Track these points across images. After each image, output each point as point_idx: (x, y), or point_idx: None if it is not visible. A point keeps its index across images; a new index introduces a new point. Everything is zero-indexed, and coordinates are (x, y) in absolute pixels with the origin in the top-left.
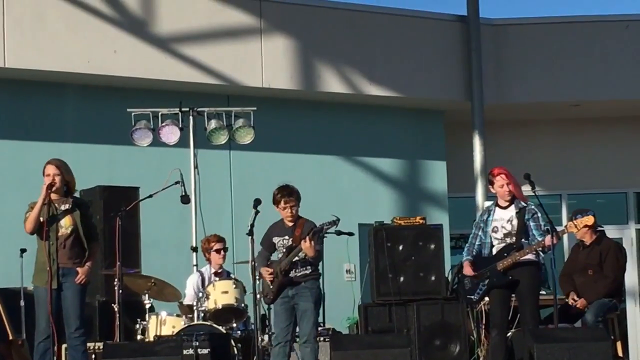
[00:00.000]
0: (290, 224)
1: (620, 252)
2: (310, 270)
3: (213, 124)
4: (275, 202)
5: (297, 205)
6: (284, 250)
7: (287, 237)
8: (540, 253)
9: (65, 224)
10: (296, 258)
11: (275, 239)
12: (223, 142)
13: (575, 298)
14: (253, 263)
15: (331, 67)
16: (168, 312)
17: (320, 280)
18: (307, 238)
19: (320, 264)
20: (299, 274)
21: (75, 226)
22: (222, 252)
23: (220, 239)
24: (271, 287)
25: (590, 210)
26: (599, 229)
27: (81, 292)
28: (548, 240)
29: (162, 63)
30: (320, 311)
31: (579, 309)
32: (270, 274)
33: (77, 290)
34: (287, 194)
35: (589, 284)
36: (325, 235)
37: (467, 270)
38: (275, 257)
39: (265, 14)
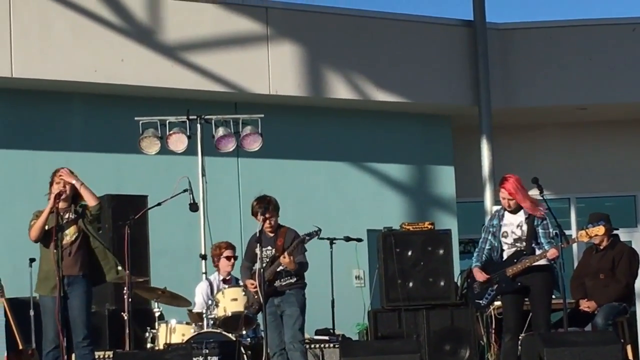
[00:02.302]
0: (272, 235)
1: (634, 257)
2: (295, 280)
3: (220, 131)
4: (254, 214)
5: (275, 216)
6: (267, 260)
7: (269, 248)
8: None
9: (70, 232)
10: (280, 268)
11: (258, 250)
12: (231, 150)
13: (585, 302)
14: (261, 269)
15: (338, 73)
16: (178, 320)
17: (331, 287)
18: (286, 253)
19: (329, 270)
20: (284, 283)
21: (81, 233)
22: (232, 260)
23: (231, 246)
24: (256, 297)
25: (602, 220)
26: (613, 232)
27: (87, 300)
28: (550, 253)
29: (170, 71)
30: (330, 317)
31: (588, 312)
32: (253, 286)
33: (83, 299)
34: (264, 206)
35: (600, 287)
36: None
37: (478, 276)
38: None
39: (272, 21)
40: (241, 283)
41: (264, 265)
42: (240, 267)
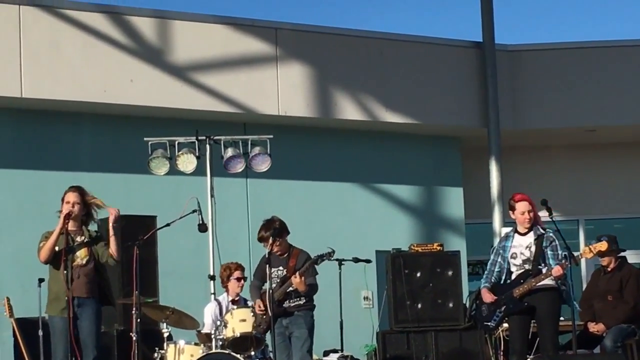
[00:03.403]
0: (282, 256)
1: None
2: (304, 301)
3: (229, 152)
4: (262, 240)
5: (283, 238)
6: (278, 280)
7: (281, 268)
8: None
9: (81, 255)
10: (290, 289)
11: (269, 270)
12: (240, 170)
13: (594, 325)
14: (270, 291)
15: (347, 94)
16: (186, 340)
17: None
18: (298, 274)
19: (337, 291)
20: (293, 304)
21: (92, 257)
22: (241, 281)
23: (241, 267)
24: (264, 317)
25: (604, 236)
26: (620, 254)
27: (97, 321)
28: (555, 271)
29: (179, 91)
30: (338, 338)
31: (597, 334)
32: (260, 308)
33: (93, 320)
34: (271, 234)
35: (608, 309)
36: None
37: (486, 297)
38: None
39: (281, 42)
40: (250, 303)
41: (274, 285)
42: (250, 286)
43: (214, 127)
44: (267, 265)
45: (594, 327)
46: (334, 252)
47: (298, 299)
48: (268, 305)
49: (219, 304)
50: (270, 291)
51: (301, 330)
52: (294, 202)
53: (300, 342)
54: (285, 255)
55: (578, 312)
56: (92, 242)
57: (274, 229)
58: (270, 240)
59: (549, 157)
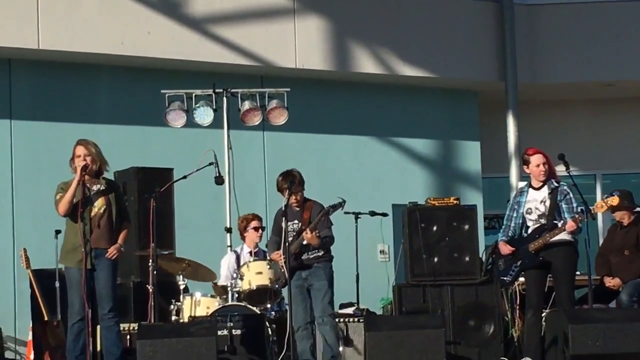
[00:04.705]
0: (298, 209)
1: None
2: (322, 253)
3: (247, 104)
4: (279, 190)
5: (301, 190)
6: (294, 234)
7: (296, 222)
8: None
9: (99, 204)
10: (305, 242)
11: (284, 224)
12: (257, 123)
13: (610, 280)
14: (287, 244)
15: (365, 47)
16: (202, 293)
17: (356, 262)
18: (309, 229)
19: (353, 245)
20: (311, 256)
21: (109, 206)
22: (259, 230)
23: (258, 218)
24: (283, 271)
25: (616, 191)
26: (637, 209)
27: (113, 273)
28: (569, 225)
29: (196, 44)
30: (354, 291)
31: (613, 289)
32: (279, 255)
33: (109, 271)
34: (290, 182)
35: (624, 263)
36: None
37: (504, 249)
38: None
39: None
40: (268, 257)
41: (291, 239)
42: (268, 242)
43: (231, 80)
44: (284, 219)
45: (610, 282)
46: (344, 202)
47: (316, 250)
48: (285, 260)
49: (237, 255)
50: (287, 244)
51: (321, 282)
52: (311, 155)
53: (321, 294)
54: (300, 208)
55: (594, 267)
56: (108, 190)
57: (292, 182)
58: (287, 194)
59: (567, 112)
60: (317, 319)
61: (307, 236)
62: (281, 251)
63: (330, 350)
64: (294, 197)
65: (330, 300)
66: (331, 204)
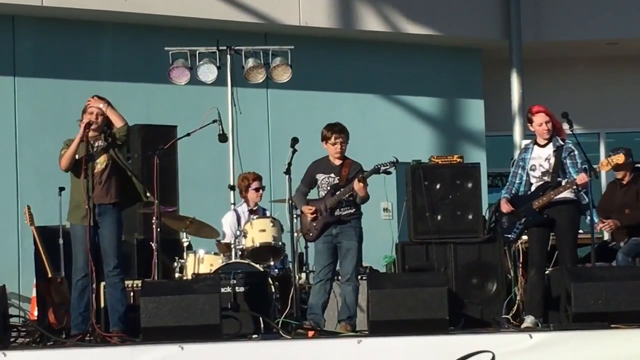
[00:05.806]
0: (338, 162)
1: None
2: (354, 210)
3: (250, 62)
4: (325, 139)
5: (346, 142)
6: (329, 188)
7: (332, 175)
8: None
9: (101, 161)
10: (343, 198)
11: (320, 176)
12: (260, 81)
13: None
14: (291, 202)
15: (369, 5)
16: (206, 250)
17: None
18: (361, 177)
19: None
20: (345, 212)
21: (110, 161)
22: (260, 191)
23: (259, 177)
24: (314, 224)
25: (621, 149)
26: (636, 166)
27: (118, 230)
28: (580, 179)
29: (200, 1)
30: None
31: (615, 247)
32: (312, 212)
33: (114, 228)
34: (338, 130)
35: (627, 222)
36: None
37: (504, 207)
38: (313, 194)
39: None
40: (268, 213)
41: (324, 193)
42: (295, 190)
43: (234, 37)
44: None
45: (604, 225)
46: (397, 161)
47: (349, 207)
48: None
49: (237, 213)
50: (325, 193)
51: (351, 242)
52: (314, 113)
53: (350, 255)
54: (340, 163)
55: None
56: (110, 146)
57: (342, 129)
58: (335, 136)
59: (571, 70)
60: (343, 277)
61: (359, 185)
62: (310, 207)
63: (348, 310)
64: (339, 145)
65: (358, 261)
66: (382, 162)
